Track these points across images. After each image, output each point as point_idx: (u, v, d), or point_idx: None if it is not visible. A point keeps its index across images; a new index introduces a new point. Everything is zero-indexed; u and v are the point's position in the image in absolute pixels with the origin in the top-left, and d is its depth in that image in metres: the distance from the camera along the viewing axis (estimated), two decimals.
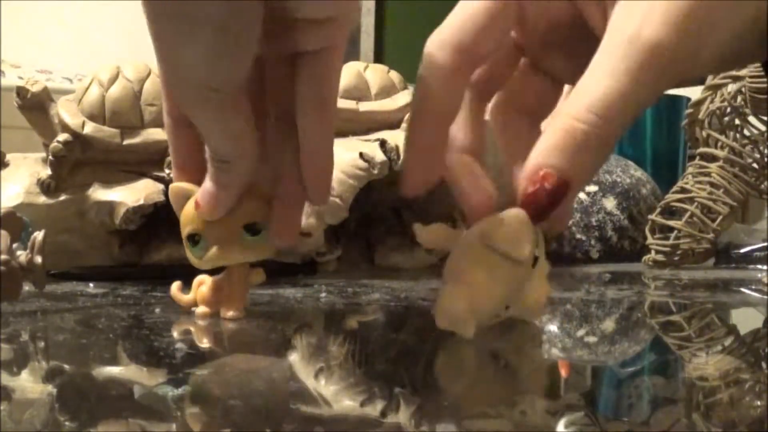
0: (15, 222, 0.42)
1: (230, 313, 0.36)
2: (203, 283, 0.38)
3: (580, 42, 0.28)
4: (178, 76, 0.29)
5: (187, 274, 0.59)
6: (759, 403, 0.22)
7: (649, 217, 0.94)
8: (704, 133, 0.92)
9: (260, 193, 0.34)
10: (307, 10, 0.29)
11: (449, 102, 0.30)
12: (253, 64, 0.29)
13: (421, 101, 0.30)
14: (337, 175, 0.72)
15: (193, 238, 0.34)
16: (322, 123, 0.32)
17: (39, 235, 0.40)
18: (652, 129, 1.64)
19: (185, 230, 0.34)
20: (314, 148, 0.32)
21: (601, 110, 0.26)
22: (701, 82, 1.00)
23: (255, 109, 0.32)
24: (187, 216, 0.34)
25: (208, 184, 0.33)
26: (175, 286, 0.39)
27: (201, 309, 0.37)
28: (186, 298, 0.38)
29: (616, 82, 0.25)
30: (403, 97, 0.83)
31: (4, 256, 0.37)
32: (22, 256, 0.40)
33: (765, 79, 0.83)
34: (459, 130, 0.32)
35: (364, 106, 0.80)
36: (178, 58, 0.28)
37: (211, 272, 0.37)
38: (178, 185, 0.34)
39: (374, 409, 0.22)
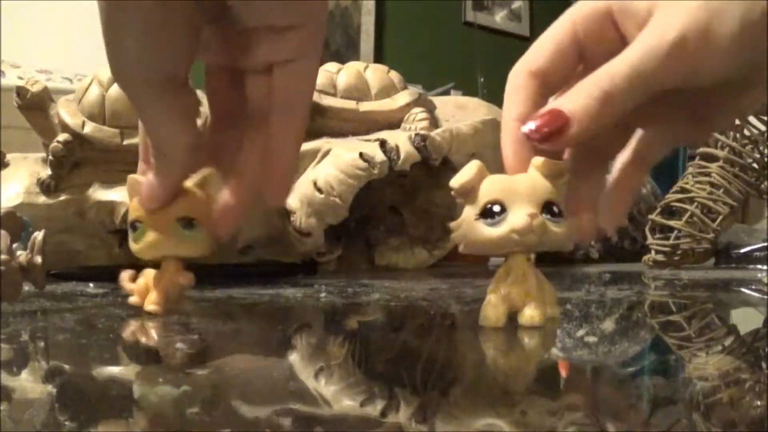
0: (15, 222, 0.43)
1: (149, 307, 0.38)
2: (144, 276, 0.39)
3: None
4: (118, 66, 0.30)
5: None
6: (759, 403, 0.22)
7: (649, 217, 0.94)
8: None
9: (201, 191, 0.36)
10: (269, 17, 0.30)
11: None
12: (216, 71, 0.34)
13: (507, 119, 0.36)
14: (337, 175, 0.72)
15: (134, 225, 0.36)
16: (291, 130, 0.34)
17: (39, 235, 0.40)
18: None
19: (129, 218, 0.37)
20: (281, 152, 0.34)
21: (608, 77, 0.31)
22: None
23: (221, 111, 0.34)
24: (133, 205, 0.36)
25: (149, 175, 0.34)
26: (125, 274, 0.40)
27: (132, 299, 0.39)
28: (129, 286, 0.40)
29: (628, 60, 0.31)
30: (403, 97, 0.83)
31: (4, 256, 0.38)
32: (22, 256, 0.40)
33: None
34: (517, 105, 0.36)
35: (364, 106, 0.80)
36: (118, 48, 0.29)
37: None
38: (133, 177, 0.36)
39: (374, 409, 0.22)
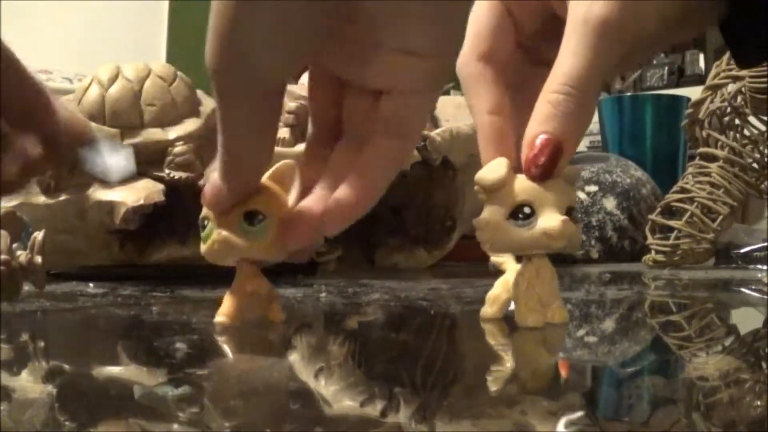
0: (15, 222, 0.43)
1: (217, 318, 0.35)
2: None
3: (561, 32, 0.33)
4: (228, 64, 0.27)
5: (187, 274, 0.59)
6: (759, 403, 0.22)
7: (649, 217, 0.94)
8: (704, 133, 0.92)
9: (274, 184, 0.33)
10: (410, 42, 0.28)
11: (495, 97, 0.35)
12: (321, 81, 0.31)
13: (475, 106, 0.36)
14: None
15: (203, 223, 0.33)
16: (393, 159, 0.31)
17: (39, 235, 0.40)
18: (652, 129, 1.64)
19: (201, 215, 0.34)
20: (372, 179, 0.32)
21: (572, 81, 0.32)
22: (701, 81, 1.00)
23: (324, 122, 0.33)
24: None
25: (214, 176, 0.32)
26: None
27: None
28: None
29: (579, 58, 0.32)
30: None
31: (4, 256, 0.38)
32: (22, 256, 0.40)
33: (765, 79, 0.83)
34: (484, 97, 0.36)
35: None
36: (235, 47, 0.27)
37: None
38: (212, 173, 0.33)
39: (374, 409, 0.22)
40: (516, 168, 0.33)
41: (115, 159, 0.39)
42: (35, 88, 0.37)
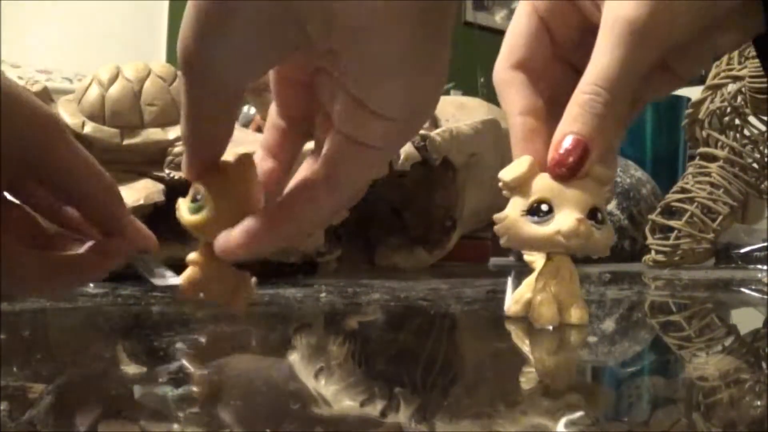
0: None
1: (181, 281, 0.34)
2: None
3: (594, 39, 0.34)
4: (207, 61, 0.27)
5: None
6: (759, 403, 0.22)
7: (649, 217, 0.94)
8: (704, 133, 0.92)
9: (228, 173, 0.32)
10: (366, 94, 0.25)
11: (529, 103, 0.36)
12: (287, 80, 0.30)
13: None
14: None
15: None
16: (327, 204, 0.29)
17: None
18: (652, 129, 1.64)
19: None
20: (296, 216, 0.29)
21: (601, 81, 0.32)
22: (701, 81, 1.00)
23: (287, 121, 0.32)
24: None
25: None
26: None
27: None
28: None
29: (609, 58, 0.32)
30: None
31: None
32: None
33: (765, 79, 0.83)
34: (514, 100, 0.36)
35: None
36: (216, 44, 0.26)
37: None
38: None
39: (374, 409, 0.22)
40: (543, 166, 0.34)
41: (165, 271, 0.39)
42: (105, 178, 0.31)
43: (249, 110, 1.12)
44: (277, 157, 0.33)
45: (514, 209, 0.34)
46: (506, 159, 0.36)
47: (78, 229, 0.32)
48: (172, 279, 0.37)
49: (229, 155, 0.34)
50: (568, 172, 0.33)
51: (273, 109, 0.33)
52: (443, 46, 0.25)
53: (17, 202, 0.31)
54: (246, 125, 1.03)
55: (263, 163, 0.33)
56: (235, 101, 0.29)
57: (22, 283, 0.30)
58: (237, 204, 0.32)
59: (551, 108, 0.36)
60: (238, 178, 0.33)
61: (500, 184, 0.34)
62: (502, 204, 0.35)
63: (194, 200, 0.32)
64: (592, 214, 0.33)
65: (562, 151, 0.33)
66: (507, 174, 0.34)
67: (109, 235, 0.32)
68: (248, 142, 0.67)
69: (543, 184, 0.33)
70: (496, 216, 0.34)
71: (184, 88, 0.29)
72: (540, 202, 0.33)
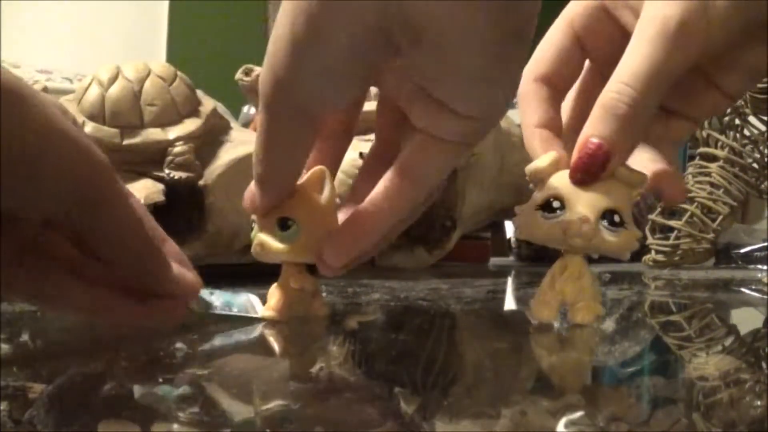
0: None
1: (265, 312, 0.37)
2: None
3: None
4: (291, 83, 0.28)
5: None
6: (759, 403, 0.22)
7: (649, 217, 0.94)
8: (704, 133, 0.92)
9: (307, 193, 0.34)
10: (448, 96, 0.28)
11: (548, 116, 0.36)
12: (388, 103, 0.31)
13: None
14: (338, 175, 0.72)
15: (252, 224, 0.35)
16: (405, 199, 0.31)
17: None
18: None
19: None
20: (376, 217, 0.31)
21: (631, 81, 0.31)
22: None
23: (383, 145, 0.34)
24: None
25: (252, 185, 0.33)
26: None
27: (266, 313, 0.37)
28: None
29: (637, 55, 0.31)
30: None
31: None
32: None
33: (765, 79, 0.83)
34: (533, 111, 0.36)
35: (364, 106, 0.80)
36: (304, 66, 0.27)
37: None
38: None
39: (374, 409, 0.22)
40: (568, 164, 0.34)
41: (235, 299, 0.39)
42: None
43: (249, 110, 1.12)
44: (366, 178, 0.34)
45: (531, 203, 0.34)
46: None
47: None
48: (258, 308, 0.38)
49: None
50: (588, 177, 0.32)
51: None
52: (522, 46, 0.27)
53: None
54: (246, 125, 1.03)
55: (359, 183, 0.35)
56: (320, 127, 0.30)
57: (61, 311, 0.30)
58: (323, 219, 0.34)
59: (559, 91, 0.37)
60: (317, 195, 0.34)
61: (527, 177, 0.35)
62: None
63: (284, 228, 0.34)
64: (607, 215, 0.33)
65: (582, 155, 0.32)
66: (530, 166, 0.35)
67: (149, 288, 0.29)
68: (249, 141, 0.67)
69: (559, 181, 0.34)
70: (517, 207, 0.35)
71: (266, 118, 0.29)
72: (553, 198, 0.34)
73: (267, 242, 0.34)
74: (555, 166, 0.34)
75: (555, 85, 0.36)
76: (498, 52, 0.26)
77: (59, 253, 0.28)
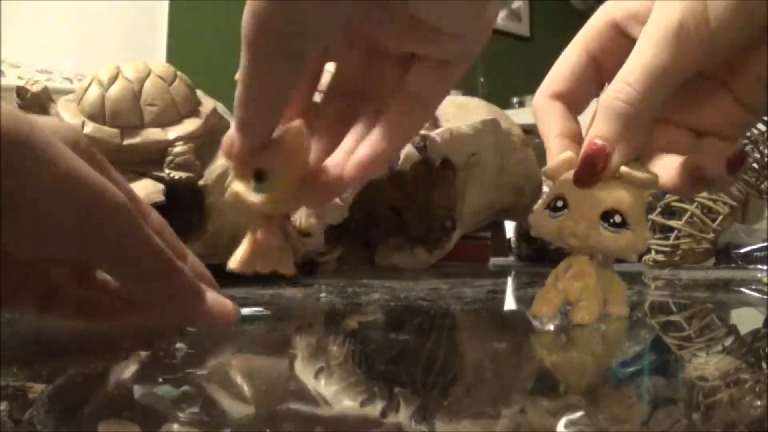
0: None
1: (230, 264, 0.35)
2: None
3: None
4: (279, 17, 0.27)
5: None
6: (759, 403, 0.22)
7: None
8: None
9: (285, 146, 0.33)
10: (443, 22, 0.29)
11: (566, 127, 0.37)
12: (351, 43, 0.31)
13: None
14: None
15: (230, 171, 0.35)
16: (410, 125, 0.32)
17: None
18: None
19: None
20: (380, 143, 0.31)
21: (631, 80, 0.32)
22: None
23: (342, 82, 0.33)
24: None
25: (232, 130, 0.32)
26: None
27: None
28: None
29: (638, 56, 0.32)
30: None
31: None
32: None
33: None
34: (552, 123, 0.37)
35: None
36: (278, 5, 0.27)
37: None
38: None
39: (374, 409, 0.22)
40: None
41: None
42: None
43: None
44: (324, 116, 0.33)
45: (542, 201, 0.35)
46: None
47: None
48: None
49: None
50: (587, 178, 0.33)
51: None
52: None
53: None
54: None
55: (316, 121, 0.34)
56: (304, 67, 0.30)
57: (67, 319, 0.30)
58: (297, 173, 0.33)
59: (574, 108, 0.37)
60: (294, 149, 0.33)
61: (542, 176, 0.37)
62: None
63: (259, 179, 0.33)
64: (608, 216, 0.33)
65: (583, 156, 0.33)
66: (546, 167, 0.36)
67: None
68: None
69: (565, 181, 0.34)
70: (535, 206, 0.36)
71: (249, 57, 0.29)
72: (557, 197, 0.34)
73: (241, 192, 0.33)
74: (566, 166, 0.34)
75: (569, 102, 0.37)
76: None
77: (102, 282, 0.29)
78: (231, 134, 0.32)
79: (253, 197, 0.33)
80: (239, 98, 0.30)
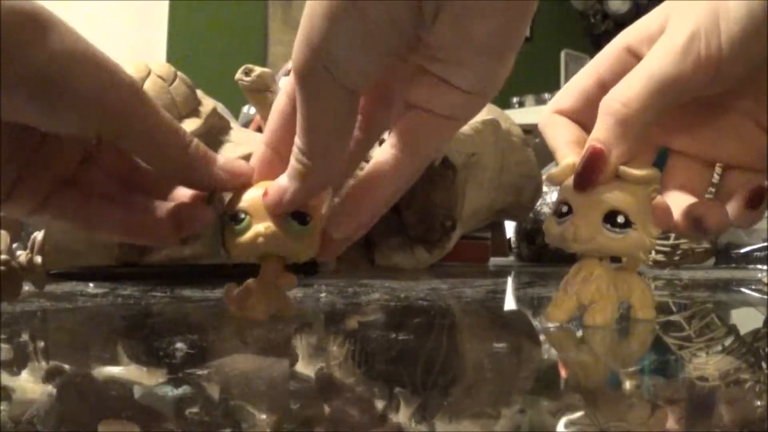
0: (15, 222, 0.43)
1: (252, 314, 0.35)
2: (245, 287, 0.36)
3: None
4: (332, 59, 0.27)
5: (187, 274, 0.59)
6: (759, 403, 0.22)
7: None
8: None
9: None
10: (455, 73, 0.29)
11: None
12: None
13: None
14: None
15: (237, 217, 0.32)
16: (405, 174, 0.32)
17: (39, 235, 0.40)
18: None
19: (232, 206, 0.33)
20: (381, 188, 0.32)
21: (629, 83, 0.33)
22: None
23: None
24: (239, 194, 0.33)
25: (284, 179, 0.31)
26: (230, 288, 0.36)
27: (233, 309, 0.36)
28: (231, 299, 0.36)
29: (642, 64, 0.33)
30: None
31: (4, 256, 0.37)
32: (22, 256, 0.40)
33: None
34: (562, 132, 0.37)
35: None
36: (341, 43, 0.27)
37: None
38: (246, 165, 0.33)
39: (374, 409, 0.22)
40: None
41: None
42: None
43: (249, 110, 1.12)
44: (279, 150, 0.33)
45: (551, 209, 0.36)
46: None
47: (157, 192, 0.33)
48: None
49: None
50: (585, 182, 0.33)
51: (279, 103, 0.33)
52: (524, 27, 0.28)
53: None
54: (246, 125, 1.03)
55: (265, 156, 0.33)
56: (356, 104, 0.30)
57: (108, 237, 0.32)
58: (323, 215, 0.34)
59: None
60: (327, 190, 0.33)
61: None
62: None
63: (303, 222, 0.32)
64: (610, 217, 0.33)
65: (581, 160, 0.33)
66: (550, 172, 0.36)
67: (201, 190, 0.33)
68: (249, 141, 0.67)
69: (568, 186, 0.34)
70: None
71: (304, 98, 0.29)
72: (562, 203, 0.35)
73: (279, 235, 0.32)
74: (569, 172, 0.34)
75: (575, 120, 0.37)
76: (508, 28, 0.28)
77: (101, 187, 0.32)
78: (282, 185, 0.31)
79: (294, 241, 0.33)
80: (300, 142, 0.30)
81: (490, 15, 0.27)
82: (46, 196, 0.30)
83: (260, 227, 0.32)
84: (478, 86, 0.29)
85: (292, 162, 0.31)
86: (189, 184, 0.32)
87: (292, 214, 0.32)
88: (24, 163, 0.29)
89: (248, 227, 0.32)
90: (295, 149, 0.30)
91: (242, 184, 0.33)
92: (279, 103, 0.33)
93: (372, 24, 0.27)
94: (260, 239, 0.32)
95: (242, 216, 0.32)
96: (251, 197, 0.33)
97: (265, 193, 0.32)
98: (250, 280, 0.36)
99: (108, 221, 0.31)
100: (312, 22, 0.27)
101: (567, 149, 0.36)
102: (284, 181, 0.31)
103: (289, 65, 0.30)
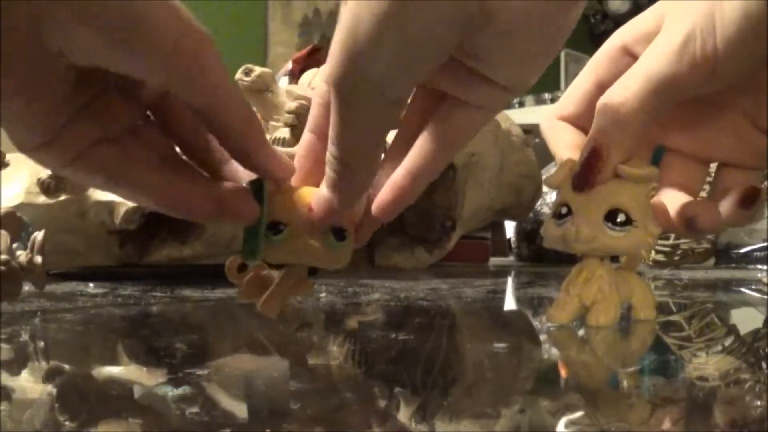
0: (15, 222, 0.43)
1: (266, 310, 0.35)
2: (261, 277, 0.37)
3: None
4: (374, 70, 0.27)
5: (187, 275, 0.59)
6: (759, 403, 0.22)
7: None
8: None
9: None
10: (495, 72, 0.29)
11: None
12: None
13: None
14: None
15: (277, 227, 0.33)
16: (438, 167, 0.33)
17: (39, 235, 0.40)
18: None
19: (272, 215, 0.33)
20: (417, 183, 0.33)
21: (626, 82, 0.33)
22: None
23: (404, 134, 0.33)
24: (280, 202, 0.33)
25: (325, 191, 0.31)
26: (233, 263, 0.37)
27: (241, 297, 0.37)
28: (237, 278, 0.37)
29: (644, 64, 0.33)
30: None
31: (4, 256, 0.37)
32: (22, 256, 0.40)
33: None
34: (564, 137, 0.38)
35: None
36: (387, 52, 0.26)
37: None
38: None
39: (374, 409, 0.22)
40: None
41: None
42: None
43: None
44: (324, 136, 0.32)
45: (550, 210, 0.35)
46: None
47: (210, 163, 0.32)
48: None
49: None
50: (583, 182, 0.33)
51: (322, 87, 0.33)
52: (565, 37, 0.29)
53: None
54: None
55: (310, 142, 0.33)
56: (397, 113, 0.30)
57: (144, 201, 0.31)
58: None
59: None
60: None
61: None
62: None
63: (341, 238, 0.33)
64: (611, 216, 0.33)
65: (579, 161, 0.33)
66: (548, 176, 0.36)
67: (247, 167, 0.32)
68: None
69: (567, 187, 0.34)
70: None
71: (342, 107, 0.28)
72: (562, 205, 0.34)
73: (320, 250, 0.33)
74: (568, 173, 0.34)
75: (579, 125, 0.38)
76: (552, 41, 0.28)
77: (154, 145, 0.31)
78: (325, 196, 0.31)
79: (331, 255, 0.33)
80: (336, 154, 0.30)
81: (536, 34, 0.27)
82: (87, 148, 0.29)
83: (300, 241, 0.33)
84: (515, 84, 0.30)
85: (330, 173, 0.30)
86: (242, 155, 0.31)
87: (331, 229, 0.33)
88: (78, 109, 0.28)
89: (287, 239, 0.33)
90: (330, 158, 0.30)
91: (283, 179, 0.32)
92: (322, 91, 0.32)
93: (419, 38, 0.26)
94: (299, 254, 0.33)
95: (281, 228, 0.33)
96: (291, 208, 0.32)
97: (310, 209, 0.32)
98: (269, 271, 0.36)
99: (146, 185, 0.30)
100: (355, 36, 0.26)
101: (568, 153, 0.36)
102: (325, 192, 0.31)
103: (290, 65, 0.30)
